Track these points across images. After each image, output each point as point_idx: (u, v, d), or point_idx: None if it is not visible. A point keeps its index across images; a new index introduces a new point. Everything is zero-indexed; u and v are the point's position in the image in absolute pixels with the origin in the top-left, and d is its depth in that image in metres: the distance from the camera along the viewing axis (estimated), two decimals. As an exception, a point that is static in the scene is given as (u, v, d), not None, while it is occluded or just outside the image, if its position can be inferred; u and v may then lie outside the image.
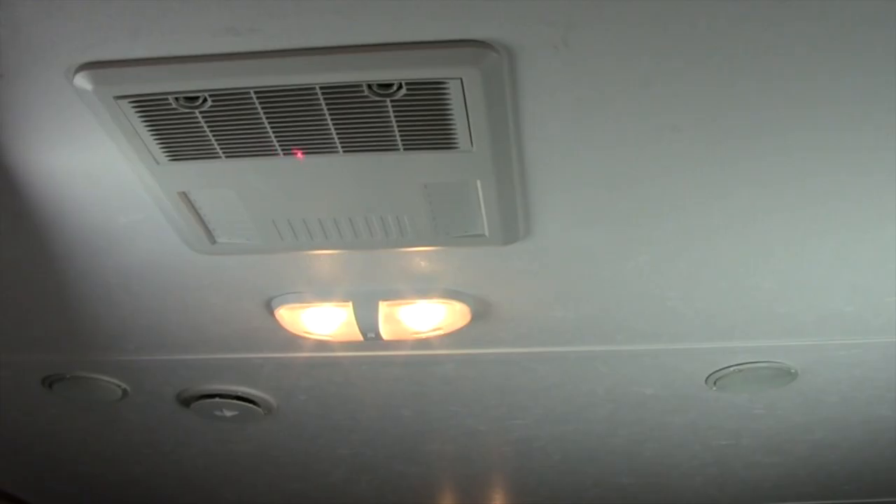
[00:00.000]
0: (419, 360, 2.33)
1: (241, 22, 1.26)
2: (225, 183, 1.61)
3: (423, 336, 2.14)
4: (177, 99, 1.39)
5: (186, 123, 1.44)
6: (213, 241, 1.79)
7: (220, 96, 1.38)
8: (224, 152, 1.52)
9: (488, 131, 1.45)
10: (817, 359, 2.29)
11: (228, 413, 2.59)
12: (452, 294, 2.00)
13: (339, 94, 1.38)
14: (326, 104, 1.40)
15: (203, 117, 1.43)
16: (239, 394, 2.52)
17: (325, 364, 2.36)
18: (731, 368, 2.34)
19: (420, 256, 1.87)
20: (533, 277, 1.93)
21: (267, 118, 1.43)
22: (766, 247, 1.82)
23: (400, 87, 1.36)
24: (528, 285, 1.97)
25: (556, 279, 1.94)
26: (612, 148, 1.53)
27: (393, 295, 2.01)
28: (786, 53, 1.31)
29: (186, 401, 2.55)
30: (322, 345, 2.20)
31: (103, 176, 1.62)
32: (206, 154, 1.52)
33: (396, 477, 3.17)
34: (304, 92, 1.37)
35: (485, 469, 3.14)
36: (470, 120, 1.43)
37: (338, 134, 1.47)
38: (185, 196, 1.65)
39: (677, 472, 3.11)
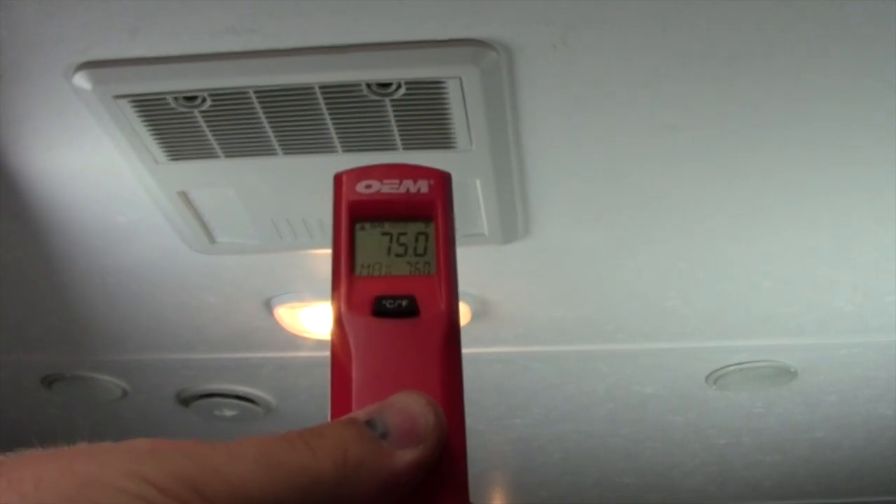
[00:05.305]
0: (419, 360, 2.32)
1: (240, 22, 1.26)
2: (224, 182, 1.61)
3: (423, 335, 2.13)
4: (176, 98, 1.39)
5: (185, 123, 1.44)
6: (212, 240, 1.79)
7: (219, 96, 1.38)
8: (223, 152, 1.52)
9: (487, 130, 1.45)
10: (817, 358, 2.29)
11: (228, 413, 2.59)
12: (452, 293, 2.00)
13: (338, 94, 1.37)
14: (326, 104, 1.39)
15: (202, 117, 1.43)
16: (238, 393, 2.52)
17: (324, 364, 2.33)
18: (731, 367, 2.33)
19: (420, 256, 1.86)
20: (532, 276, 1.93)
21: (266, 118, 1.43)
22: (766, 246, 1.82)
23: (399, 86, 1.36)
24: (528, 284, 1.97)
25: (556, 278, 1.94)
26: (612, 147, 1.53)
27: (392, 294, 2.01)
28: (786, 53, 1.31)
29: (186, 400, 2.55)
30: (321, 344, 2.20)
31: (102, 175, 1.61)
32: (206, 153, 1.52)
33: (396, 476, 3.17)
34: (304, 91, 1.37)
35: (485, 469, 3.14)
36: (469, 119, 1.42)
37: (337, 133, 1.46)
38: (184, 195, 1.65)
39: (678, 472, 3.11)
